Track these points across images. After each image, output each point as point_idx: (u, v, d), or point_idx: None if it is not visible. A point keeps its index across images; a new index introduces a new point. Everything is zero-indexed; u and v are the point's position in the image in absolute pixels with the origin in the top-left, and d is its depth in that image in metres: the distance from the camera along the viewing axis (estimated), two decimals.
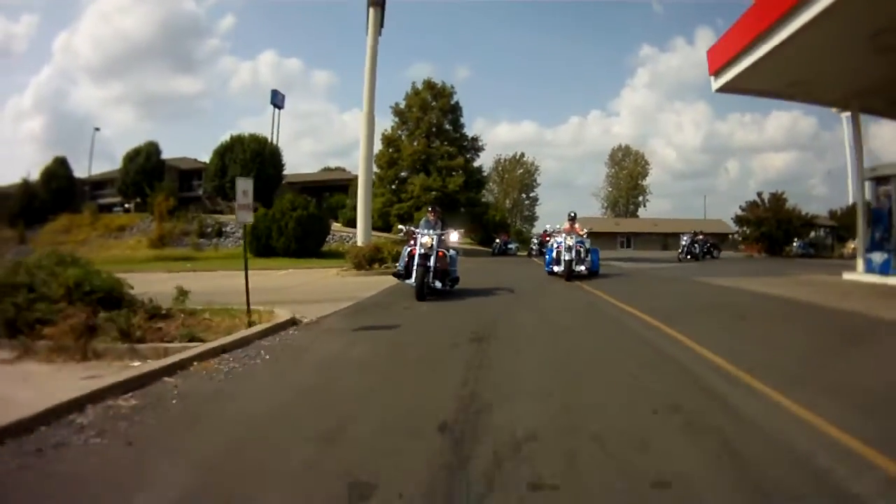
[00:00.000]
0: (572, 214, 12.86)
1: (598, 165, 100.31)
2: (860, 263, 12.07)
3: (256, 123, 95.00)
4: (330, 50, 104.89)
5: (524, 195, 66.44)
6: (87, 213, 38.18)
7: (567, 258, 11.70)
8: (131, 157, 42.69)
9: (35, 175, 43.89)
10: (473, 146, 32.13)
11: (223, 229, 30.66)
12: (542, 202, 76.27)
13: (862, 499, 1.98)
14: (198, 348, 4.36)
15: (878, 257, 11.40)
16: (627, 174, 68.78)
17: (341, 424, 2.83)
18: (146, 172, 40.86)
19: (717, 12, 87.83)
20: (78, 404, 3.07)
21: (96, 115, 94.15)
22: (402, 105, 30.95)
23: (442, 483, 2.10)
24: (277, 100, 44.70)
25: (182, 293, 5.75)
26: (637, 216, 67.91)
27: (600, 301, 8.10)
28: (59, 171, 43.74)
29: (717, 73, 11.15)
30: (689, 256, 23.14)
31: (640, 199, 69.26)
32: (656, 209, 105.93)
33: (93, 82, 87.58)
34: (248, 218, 6.14)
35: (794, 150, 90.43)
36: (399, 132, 30.96)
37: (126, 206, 44.09)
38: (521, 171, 65.70)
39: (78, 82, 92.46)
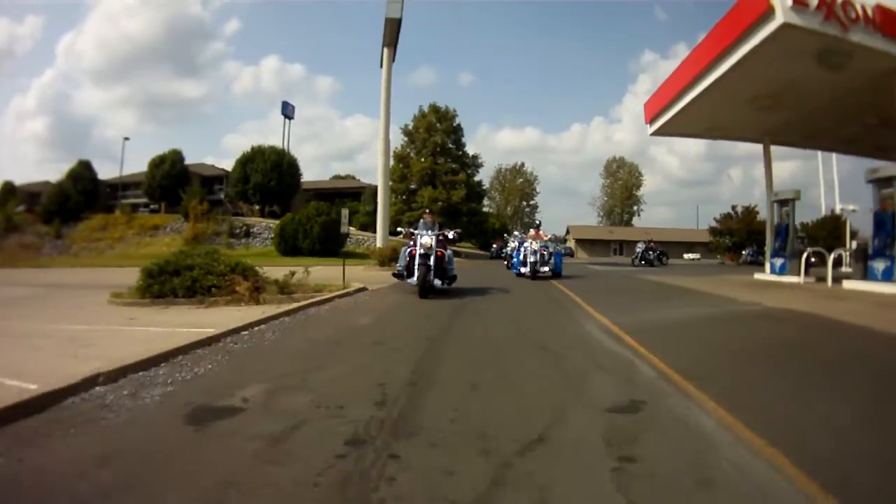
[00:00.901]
0: (537, 222, 16.08)
1: (600, 172, 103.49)
2: (767, 266, 15.75)
3: (259, 127, 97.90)
4: (333, 56, 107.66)
5: (524, 203, 70.24)
6: (120, 212, 41.96)
7: (532, 260, 13.58)
8: (157, 164, 46.15)
9: (41, 175, 47.75)
10: (474, 163, 36.37)
11: (251, 230, 34.41)
12: (546, 208, 79.77)
13: (605, 344, 5.63)
14: (323, 295, 8.09)
15: (777, 262, 15.09)
16: (622, 185, 72.45)
17: (383, 328, 6.51)
18: (172, 177, 44.59)
19: (719, 18, 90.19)
20: (263, 321, 6.50)
21: (99, 118, 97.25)
22: (411, 127, 35.06)
23: (425, 350, 5.72)
24: (288, 111, 48.59)
25: (305, 272, 9.51)
26: (632, 225, 71.57)
27: (553, 288, 11.71)
28: (84, 173, 47.17)
29: (651, 121, 14.93)
30: (643, 262, 26.67)
31: (635, 208, 72.91)
32: (658, 217, 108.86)
33: (96, 85, 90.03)
34: (346, 230, 10.27)
35: (798, 160, 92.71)
36: (408, 150, 34.98)
37: (152, 207, 47.73)
38: (521, 180, 69.49)
39: (81, 85, 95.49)
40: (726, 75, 11.00)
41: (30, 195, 48.95)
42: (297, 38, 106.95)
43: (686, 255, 53.33)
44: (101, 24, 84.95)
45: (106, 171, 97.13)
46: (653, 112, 14.70)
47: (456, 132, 35.36)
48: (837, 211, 35.26)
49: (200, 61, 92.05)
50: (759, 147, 16.32)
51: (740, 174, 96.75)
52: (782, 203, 15.45)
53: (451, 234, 10.14)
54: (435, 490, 2.00)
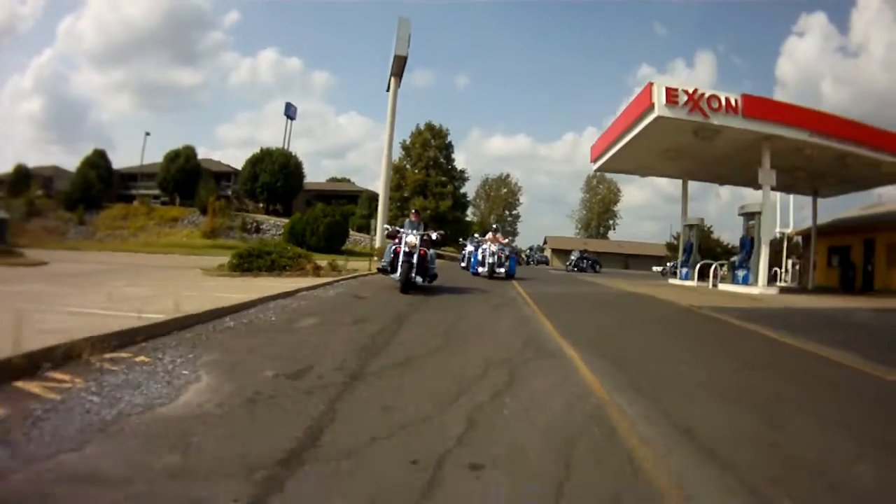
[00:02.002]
0: (495, 227, 19.15)
1: (580, 187, 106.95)
2: (679, 274, 20.74)
3: (253, 119, 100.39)
4: (330, 51, 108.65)
5: (507, 212, 75.32)
6: (139, 203, 45.80)
7: (490, 261, 15.46)
8: (172, 158, 49.91)
9: (35, 156, 50.87)
10: (461, 176, 41.61)
11: (260, 227, 38.79)
12: (533, 217, 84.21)
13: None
14: (358, 273, 12.81)
15: (683, 271, 20.08)
16: (600, 199, 77.84)
17: (377, 294, 11.22)
18: (185, 172, 48.69)
19: (717, 38, 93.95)
20: (329, 284, 11.31)
21: (95, 101, 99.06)
22: (408, 142, 39.98)
23: (394, 320, 10.43)
24: (290, 111, 52.76)
25: (347, 259, 14.19)
26: (608, 238, 76.94)
27: (507, 284, 16.44)
28: (99, 162, 50.45)
29: (594, 160, 19.83)
30: (575, 269, 31.74)
31: (611, 222, 78.34)
32: (643, 230, 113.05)
33: (94, 68, 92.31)
34: (377, 237, 14.96)
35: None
36: (405, 162, 39.84)
37: (163, 199, 51.40)
38: (506, 190, 74.56)
39: (79, 67, 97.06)
40: (636, 137, 15.92)
41: (44, 179, 52.38)
42: (296, 33, 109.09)
43: (654, 268, 58.51)
44: (102, 7, 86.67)
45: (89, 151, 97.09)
46: (595, 154, 19.66)
47: (447, 148, 40.56)
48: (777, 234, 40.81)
49: (199, 50, 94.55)
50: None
51: (728, 192, 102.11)
52: (690, 227, 20.50)
53: (434, 235, 10.52)
54: (420, 341, 6.61)
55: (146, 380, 3.18)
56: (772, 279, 18.21)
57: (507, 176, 75.30)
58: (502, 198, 73.87)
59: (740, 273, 16.51)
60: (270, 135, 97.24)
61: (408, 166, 40.06)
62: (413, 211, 11.48)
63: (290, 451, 2.21)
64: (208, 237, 36.99)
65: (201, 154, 52.04)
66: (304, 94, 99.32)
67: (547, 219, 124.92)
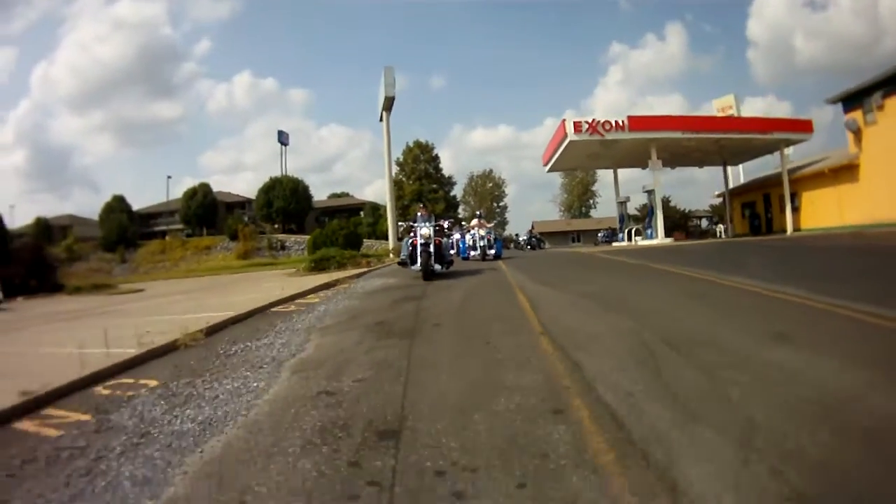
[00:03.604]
0: (479, 213, 21.10)
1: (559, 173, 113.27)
2: (620, 238, 29.05)
3: (235, 144, 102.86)
4: (303, 68, 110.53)
5: (495, 204, 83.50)
6: (170, 238, 53.64)
7: (481, 244, 17.75)
8: (191, 195, 57.40)
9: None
10: (449, 182, 50.17)
11: (284, 245, 46.86)
12: (523, 205, 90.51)
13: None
14: (389, 263, 21.12)
15: (621, 235, 28.42)
16: (579, 182, 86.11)
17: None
18: (204, 206, 56.61)
19: (684, 8, 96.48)
20: (378, 268, 19.48)
21: (77, 145, 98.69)
22: (402, 159, 48.55)
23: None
24: (283, 138, 60.19)
25: (386, 253, 22.45)
26: (590, 216, 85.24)
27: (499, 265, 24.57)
28: (117, 206, 58.00)
29: (546, 164, 28.12)
30: (529, 247, 39.86)
31: (591, 202, 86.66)
32: (636, 204, 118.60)
33: (72, 112, 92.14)
34: (391, 240, 23.01)
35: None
36: (401, 176, 48.21)
37: (186, 232, 58.81)
38: (491, 184, 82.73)
39: (57, 113, 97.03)
40: (564, 151, 24.27)
41: (61, 228, 58.98)
42: (267, 53, 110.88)
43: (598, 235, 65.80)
44: (73, 50, 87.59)
45: (86, 199, 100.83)
46: (545, 160, 28.00)
47: (435, 160, 49.33)
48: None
49: (174, 82, 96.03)
50: None
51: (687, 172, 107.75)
52: (622, 203, 28.87)
53: (445, 224, 12.13)
54: (442, 305, 14.69)
55: (342, 296, 11.35)
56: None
57: (491, 171, 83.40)
58: (488, 191, 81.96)
59: (647, 232, 24.86)
60: (255, 157, 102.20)
61: (403, 179, 48.42)
62: (421, 206, 13.23)
63: (415, 315, 10.17)
64: (243, 258, 44.95)
65: (187, 183, 59.12)
66: (284, 113, 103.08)
67: (537, 205, 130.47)
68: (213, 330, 6.46)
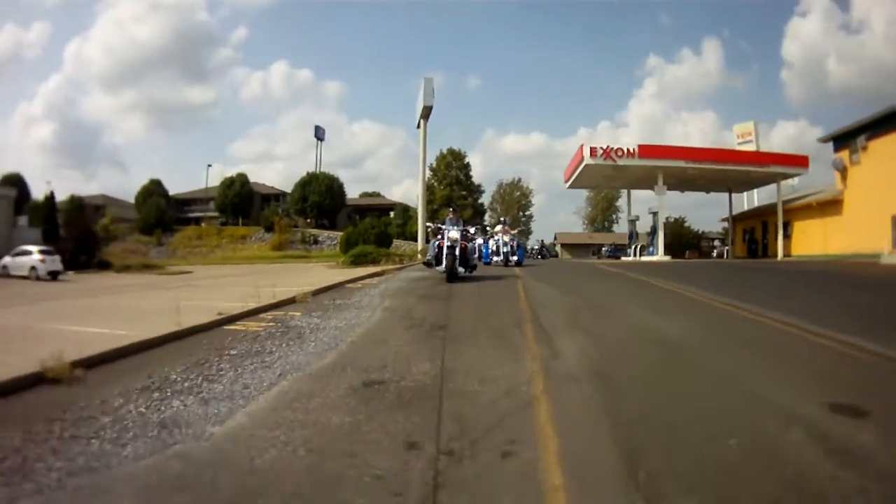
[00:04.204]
0: (504, 220, 23.76)
1: None
2: (630, 253, 32.07)
3: (266, 133, 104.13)
4: (340, 61, 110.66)
5: (521, 213, 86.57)
6: (206, 225, 57.47)
7: (505, 251, 18.82)
8: (228, 185, 60.35)
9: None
10: (478, 189, 53.67)
11: (317, 239, 50.60)
12: (550, 214, 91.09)
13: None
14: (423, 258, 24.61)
15: (628, 251, 31.41)
16: (603, 197, 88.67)
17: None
18: (240, 196, 60.19)
19: (722, 24, 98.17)
20: (410, 266, 22.88)
21: (107, 123, 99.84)
22: (434, 165, 52.02)
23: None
24: (320, 133, 63.04)
25: (414, 254, 25.94)
26: (612, 230, 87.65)
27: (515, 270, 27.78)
28: (155, 189, 60.26)
29: (567, 181, 31.34)
30: (539, 256, 42.83)
31: (614, 216, 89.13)
32: (648, 222, 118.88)
33: (104, 90, 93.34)
34: (420, 242, 26.45)
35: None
36: (433, 181, 51.73)
37: (222, 221, 62.05)
38: (518, 193, 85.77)
39: (89, 91, 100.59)
40: (581, 173, 27.46)
41: (95, 207, 57.30)
42: (305, 44, 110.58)
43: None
44: (109, 29, 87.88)
45: (113, 179, 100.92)
46: (566, 177, 31.20)
47: (466, 167, 53.01)
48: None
49: (209, 67, 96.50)
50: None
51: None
52: (632, 221, 31.89)
53: (472, 230, 12.58)
54: (467, 287, 17.98)
55: (392, 280, 14.77)
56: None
57: (519, 180, 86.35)
58: (515, 200, 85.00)
59: (650, 250, 27.89)
60: (286, 148, 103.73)
61: (435, 184, 51.95)
62: (451, 209, 13.57)
63: (449, 290, 13.43)
64: (277, 249, 48.65)
65: (216, 170, 61.61)
66: (318, 105, 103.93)
67: (562, 216, 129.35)
68: (316, 293, 9.90)
